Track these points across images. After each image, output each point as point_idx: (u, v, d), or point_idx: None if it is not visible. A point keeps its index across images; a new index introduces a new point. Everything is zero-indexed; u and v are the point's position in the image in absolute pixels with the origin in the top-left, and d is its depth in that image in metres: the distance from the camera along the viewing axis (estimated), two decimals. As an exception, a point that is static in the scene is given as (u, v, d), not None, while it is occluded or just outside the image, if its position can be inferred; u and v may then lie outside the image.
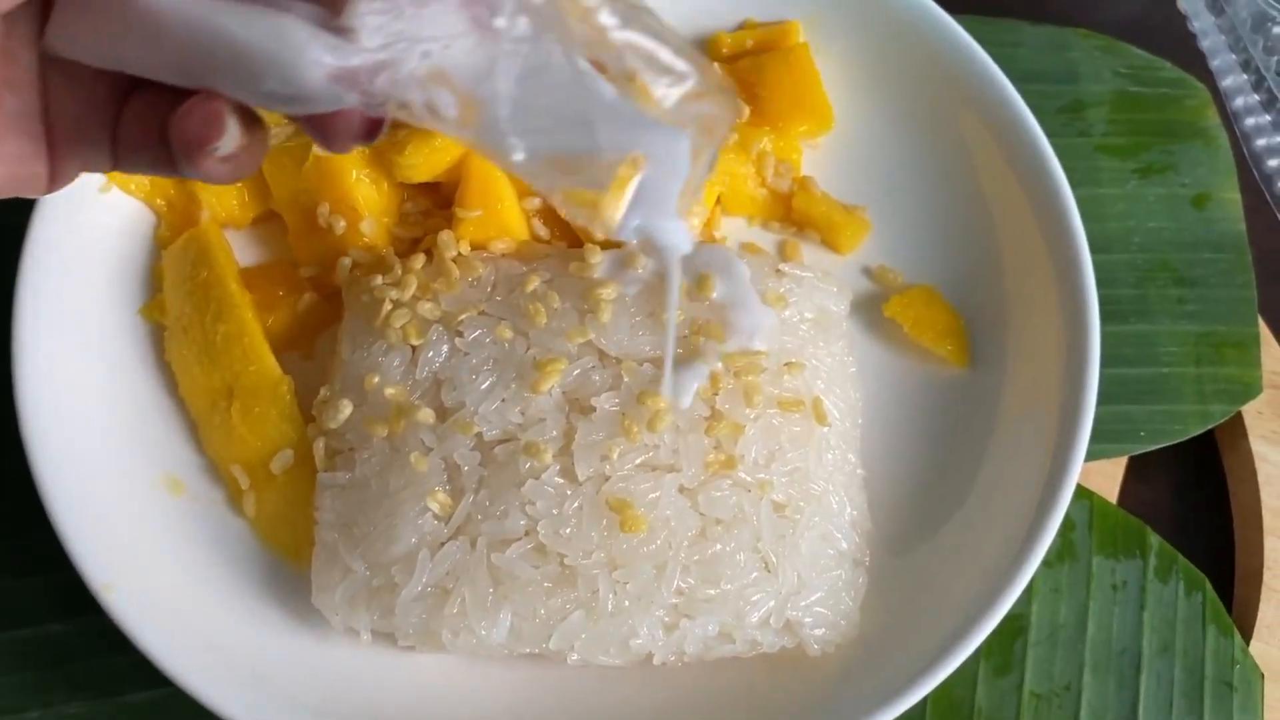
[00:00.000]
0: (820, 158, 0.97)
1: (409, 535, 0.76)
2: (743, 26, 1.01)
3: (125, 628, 0.75)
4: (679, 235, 0.65)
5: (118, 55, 0.50)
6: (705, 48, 1.00)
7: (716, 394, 0.79)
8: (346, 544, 0.77)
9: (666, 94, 0.56)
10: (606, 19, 0.52)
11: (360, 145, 0.53)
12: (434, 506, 0.76)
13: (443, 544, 0.76)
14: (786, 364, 0.81)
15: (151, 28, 0.48)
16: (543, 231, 0.89)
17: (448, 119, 0.50)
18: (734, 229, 0.95)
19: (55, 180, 0.56)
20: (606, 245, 0.87)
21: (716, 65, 0.57)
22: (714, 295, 0.82)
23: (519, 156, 0.52)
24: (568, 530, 0.75)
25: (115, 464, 0.82)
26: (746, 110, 0.94)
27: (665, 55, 0.55)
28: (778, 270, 0.86)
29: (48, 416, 0.80)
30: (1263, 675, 0.87)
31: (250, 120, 0.52)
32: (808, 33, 0.99)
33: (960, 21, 0.96)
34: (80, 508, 0.78)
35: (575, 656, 0.76)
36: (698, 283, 0.83)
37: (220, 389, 0.83)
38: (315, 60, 0.47)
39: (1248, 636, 0.89)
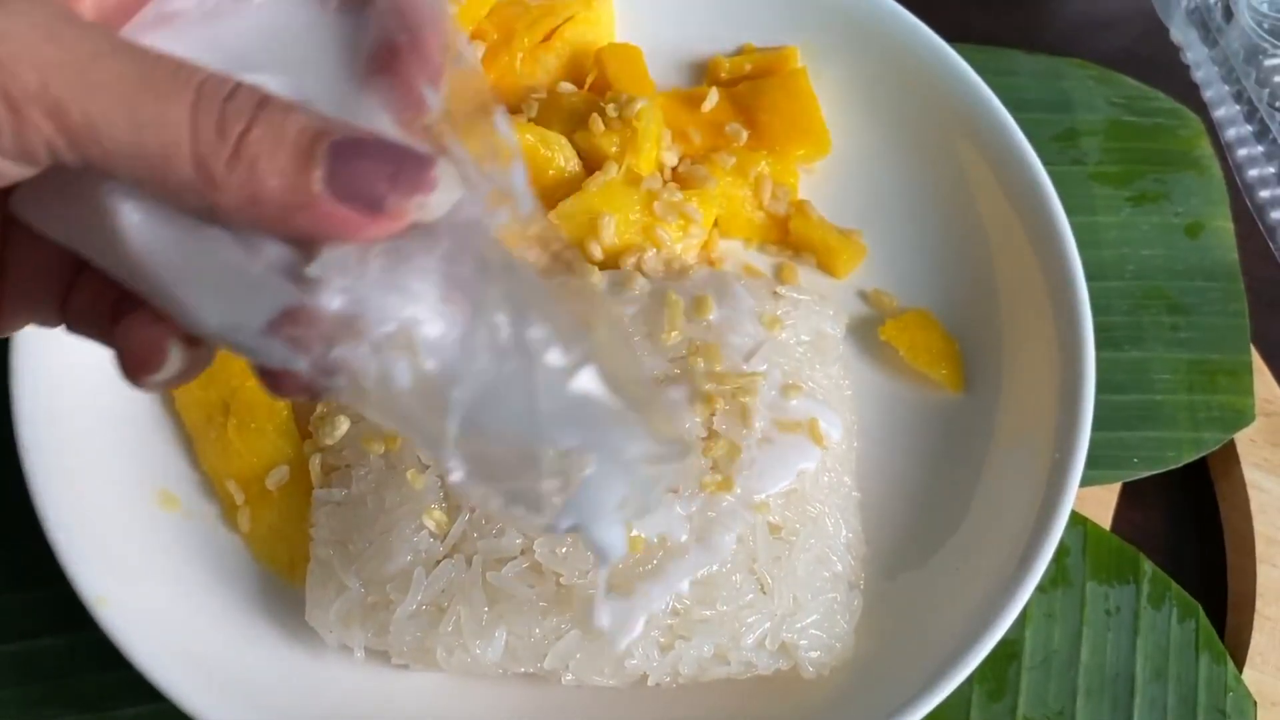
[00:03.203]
0: (817, 182, 0.98)
1: (404, 553, 0.76)
2: (741, 51, 1.01)
3: (118, 641, 0.74)
4: (616, 544, 0.59)
5: (79, 242, 0.47)
6: (704, 71, 1.01)
7: (714, 415, 0.79)
8: (341, 561, 0.77)
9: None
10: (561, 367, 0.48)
11: (305, 399, 0.50)
12: (430, 524, 0.76)
13: (438, 562, 0.76)
14: (783, 386, 0.82)
15: (115, 233, 0.45)
16: (541, 251, 0.90)
17: (398, 392, 0.46)
18: (731, 251, 0.95)
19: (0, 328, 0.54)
20: (604, 266, 0.87)
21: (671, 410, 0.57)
22: (710, 317, 0.83)
23: (456, 477, 0.48)
24: (564, 549, 0.75)
25: (110, 478, 0.82)
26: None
27: (630, 420, 0.51)
28: (775, 292, 0.87)
29: (44, 429, 0.80)
30: (1255, 703, 0.87)
31: (193, 340, 0.49)
32: (806, 58, 1.00)
33: (956, 50, 0.97)
34: (74, 521, 0.78)
35: (570, 676, 0.75)
36: (695, 304, 0.83)
37: (217, 404, 0.83)
38: (270, 307, 0.44)
39: (1240, 664, 0.89)
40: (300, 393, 0.48)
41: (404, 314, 0.45)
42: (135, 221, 0.45)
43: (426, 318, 0.45)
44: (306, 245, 0.45)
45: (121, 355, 0.49)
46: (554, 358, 0.47)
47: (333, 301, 0.44)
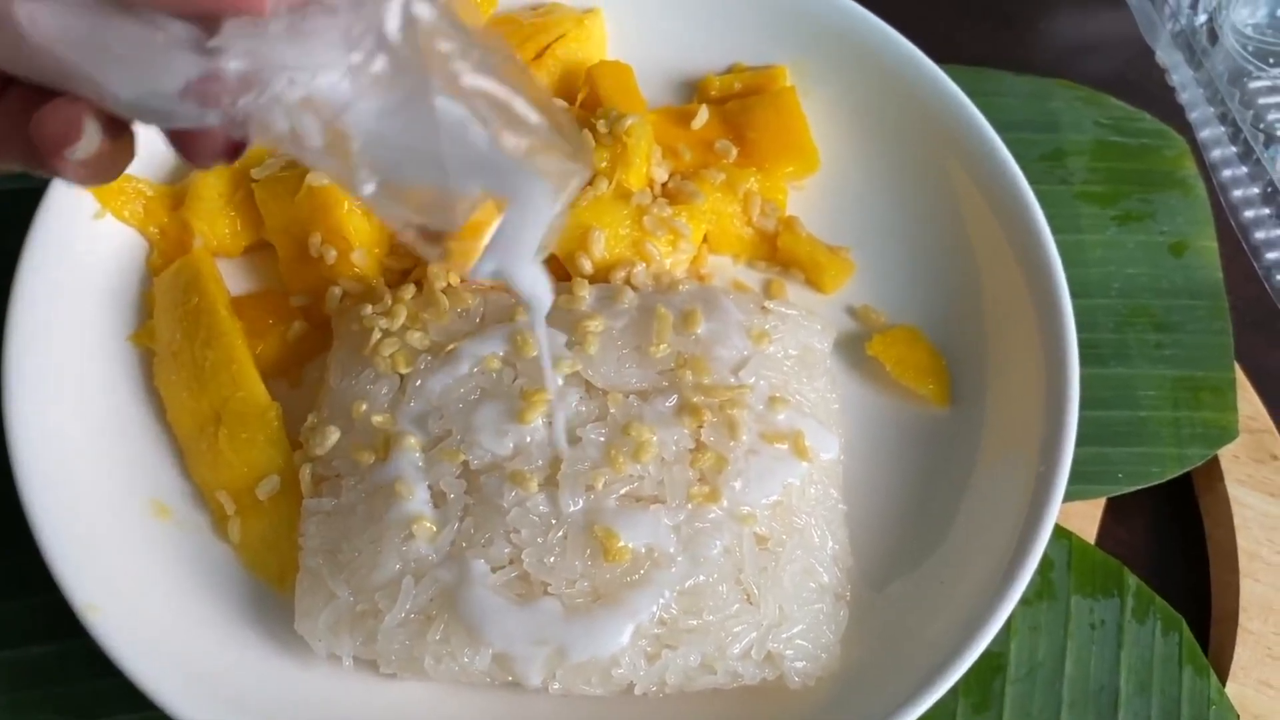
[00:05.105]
0: (806, 199, 0.99)
1: (393, 561, 0.76)
2: (731, 69, 1.03)
3: (107, 648, 0.75)
4: (538, 283, 0.65)
5: None
6: (694, 89, 1.02)
7: (701, 427, 0.80)
8: (331, 570, 0.77)
9: (515, 144, 0.55)
10: (459, 64, 0.53)
11: (223, 164, 0.54)
12: (419, 534, 0.76)
13: (427, 571, 0.76)
14: (771, 399, 0.82)
15: (22, 25, 0.47)
16: (532, 265, 0.90)
17: (311, 147, 0.51)
18: (720, 266, 0.96)
19: None
20: (594, 279, 0.88)
21: (576, 124, 0.58)
22: (699, 331, 0.84)
23: (369, 189, 0.53)
24: (552, 559, 0.76)
25: (102, 487, 0.82)
26: (728, 148, 0.95)
27: (518, 105, 0.55)
28: (763, 307, 0.88)
29: (36, 439, 0.80)
30: (1238, 716, 0.88)
31: (115, 127, 0.51)
32: (795, 77, 1.01)
33: (945, 70, 0.98)
34: (66, 529, 0.78)
35: (557, 685, 0.76)
36: (684, 318, 0.84)
37: (208, 414, 0.84)
38: (179, 77, 0.48)
39: (1223, 677, 0.89)
40: (218, 152, 0.53)
41: (303, 65, 0.49)
42: (39, 11, 0.47)
43: (324, 66, 0.49)
44: (209, 23, 0.48)
45: (39, 137, 0.50)
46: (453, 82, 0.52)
47: (236, 65, 0.48)
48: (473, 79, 0.53)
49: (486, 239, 0.58)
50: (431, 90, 0.52)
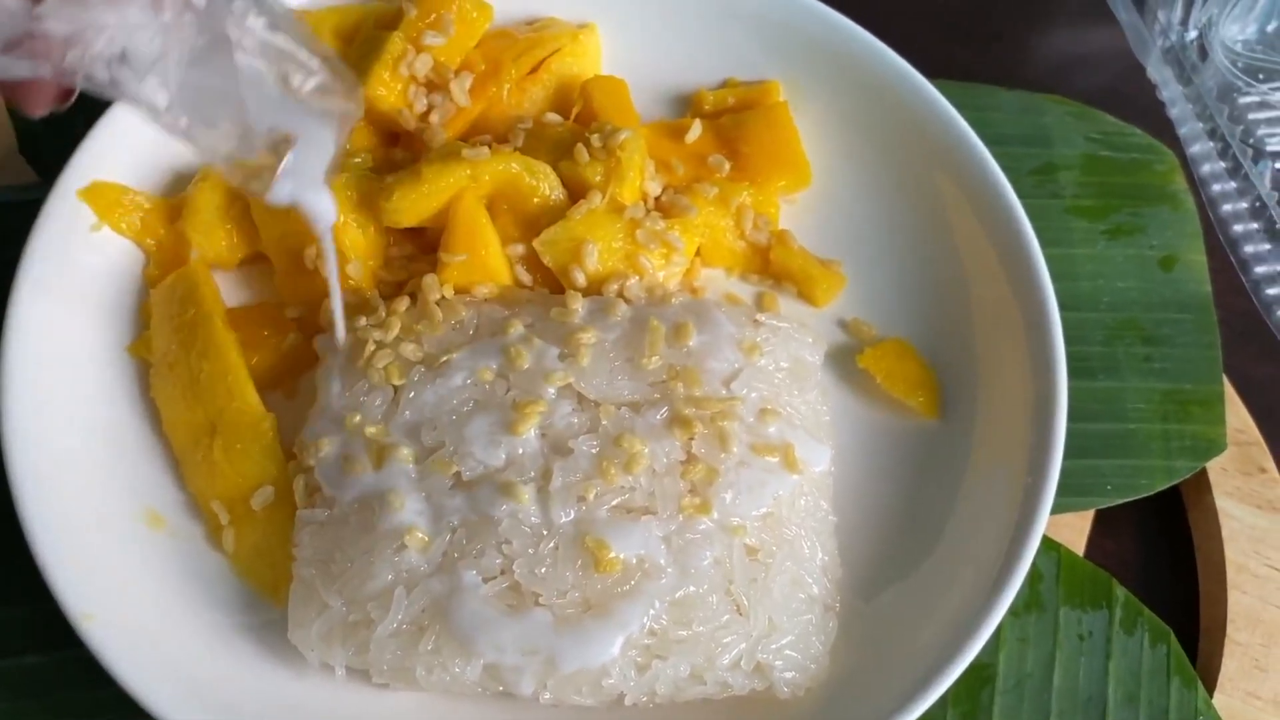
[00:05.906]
0: (798, 213, 1.00)
1: (386, 572, 0.77)
2: (725, 85, 1.04)
3: (102, 657, 0.75)
4: (325, 205, 0.77)
5: None
6: (688, 104, 1.03)
7: (692, 439, 0.81)
8: (324, 580, 0.78)
9: (301, 85, 0.68)
10: (252, 23, 0.64)
11: (55, 109, 0.62)
12: (412, 544, 0.77)
13: (419, 581, 0.77)
14: (762, 411, 0.83)
15: None
16: (525, 278, 0.91)
17: (130, 93, 0.61)
18: (713, 279, 0.97)
19: None
20: (587, 292, 0.89)
21: (349, 68, 0.74)
22: (691, 343, 0.84)
23: (181, 124, 0.64)
24: (543, 570, 0.76)
25: (97, 497, 0.83)
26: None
27: (301, 55, 0.67)
28: (755, 320, 0.88)
29: (33, 448, 0.81)
30: (1225, 727, 0.88)
31: None
32: (788, 92, 1.02)
33: (937, 85, 0.99)
34: (61, 538, 0.79)
35: (548, 696, 0.76)
36: (675, 330, 0.84)
37: (203, 425, 0.84)
38: (8, 33, 0.56)
39: (1211, 688, 0.90)
40: (50, 98, 0.62)
41: (119, 26, 0.58)
42: None
43: (138, 27, 0.59)
44: None
45: None
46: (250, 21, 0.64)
47: (62, 26, 0.57)
48: (264, 35, 0.64)
49: (281, 170, 0.70)
50: (230, 45, 0.62)
